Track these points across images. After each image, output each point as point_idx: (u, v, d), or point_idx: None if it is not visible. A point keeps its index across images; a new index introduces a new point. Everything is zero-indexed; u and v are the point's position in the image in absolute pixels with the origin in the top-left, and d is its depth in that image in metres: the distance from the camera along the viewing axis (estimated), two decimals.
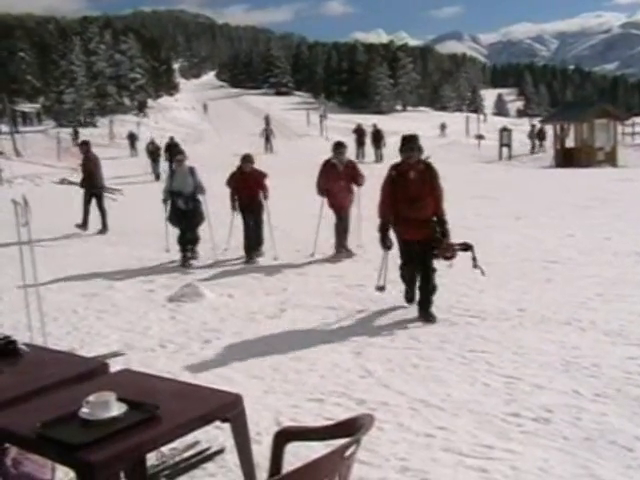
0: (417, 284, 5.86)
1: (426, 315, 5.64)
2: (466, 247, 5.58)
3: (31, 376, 2.65)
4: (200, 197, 8.73)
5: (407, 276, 5.94)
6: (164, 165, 24.26)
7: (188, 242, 8.68)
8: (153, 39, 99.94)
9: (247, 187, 8.66)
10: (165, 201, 8.79)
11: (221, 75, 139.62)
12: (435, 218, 5.61)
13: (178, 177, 8.74)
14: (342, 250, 8.52)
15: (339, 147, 8.65)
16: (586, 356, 4.56)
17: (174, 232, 8.87)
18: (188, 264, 8.50)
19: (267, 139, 34.51)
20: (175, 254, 8.80)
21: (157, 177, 23.92)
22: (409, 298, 6.01)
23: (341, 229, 8.57)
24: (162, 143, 26.45)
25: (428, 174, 5.62)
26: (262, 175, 8.84)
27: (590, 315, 5.50)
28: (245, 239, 8.75)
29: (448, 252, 5.50)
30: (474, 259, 5.57)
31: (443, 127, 48.48)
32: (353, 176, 8.47)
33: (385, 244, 5.78)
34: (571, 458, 3.22)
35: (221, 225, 9.35)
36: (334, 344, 5.16)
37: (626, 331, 5.04)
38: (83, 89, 59.95)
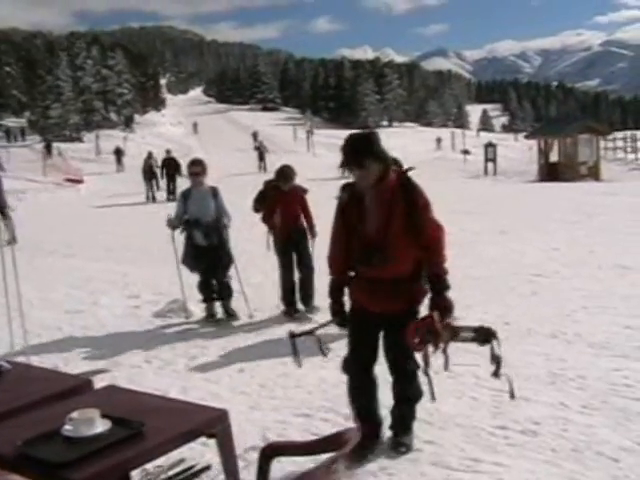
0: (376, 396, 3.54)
1: (399, 445, 3.46)
2: (485, 335, 3.17)
3: (13, 394, 2.61)
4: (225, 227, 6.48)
5: (356, 379, 3.48)
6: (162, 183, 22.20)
7: (218, 294, 6.47)
8: (141, 55, 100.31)
9: (287, 211, 6.35)
10: (183, 232, 6.41)
11: (208, 91, 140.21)
12: (424, 274, 3.29)
13: (195, 200, 6.34)
14: None
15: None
16: (572, 368, 4.58)
17: (188, 281, 6.71)
18: (213, 319, 6.39)
19: (261, 157, 31.85)
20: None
21: (152, 199, 21.70)
22: (367, 428, 3.23)
23: None
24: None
25: (404, 198, 3.21)
26: (304, 191, 6.56)
27: (575, 327, 5.52)
28: (284, 285, 6.43)
29: (440, 339, 3.04)
30: (495, 359, 3.11)
31: (439, 141, 49.33)
32: None
33: (337, 314, 3.49)
34: (558, 470, 3.22)
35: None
36: (321, 360, 5.13)
37: (611, 343, 5.07)
38: (69, 104, 59.81)
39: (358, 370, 3.47)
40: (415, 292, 3.34)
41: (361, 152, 3.18)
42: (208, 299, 6.47)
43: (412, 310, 3.31)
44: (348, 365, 3.49)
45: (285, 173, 6.37)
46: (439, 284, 3.26)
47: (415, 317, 3.25)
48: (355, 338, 3.47)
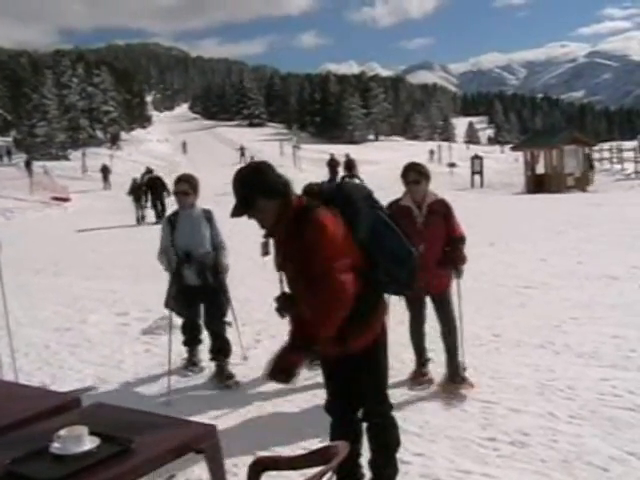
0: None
1: None
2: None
3: (0, 412, 2.59)
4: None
5: (336, 425, 3.02)
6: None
7: (213, 351, 5.14)
8: (126, 72, 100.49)
9: None
10: (173, 272, 5.01)
11: (194, 107, 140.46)
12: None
13: (184, 227, 5.01)
14: (457, 377, 4.55)
15: (410, 173, 4.58)
16: (560, 378, 4.60)
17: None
18: (195, 367, 5.29)
19: None
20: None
21: (142, 218, 19.86)
22: None
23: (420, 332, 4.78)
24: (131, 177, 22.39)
25: (296, 235, 2.61)
26: None
27: (564, 338, 5.55)
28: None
29: None
30: None
31: (432, 153, 50.08)
32: (447, 230, 4.58)
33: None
34: None
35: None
36: (311, 374, 5.12)
37: (599, 353, 5.11)
38: (55, 122, 59.72)
39: (339, 415, 3.00)
40: (365, 330, 2.75)
41: (249, 192, 2.62)
42: (192, 341, 5.30)
43: (372, 347, 2.81)
44: (329, 407, 3.04)
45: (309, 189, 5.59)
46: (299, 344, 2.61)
47: (377, 354, 2.85)
48: (325, 384, 3.06)
